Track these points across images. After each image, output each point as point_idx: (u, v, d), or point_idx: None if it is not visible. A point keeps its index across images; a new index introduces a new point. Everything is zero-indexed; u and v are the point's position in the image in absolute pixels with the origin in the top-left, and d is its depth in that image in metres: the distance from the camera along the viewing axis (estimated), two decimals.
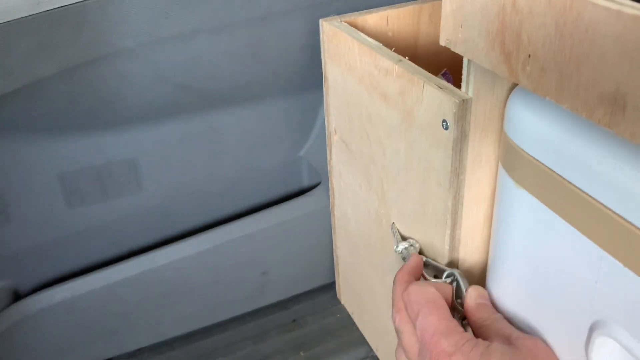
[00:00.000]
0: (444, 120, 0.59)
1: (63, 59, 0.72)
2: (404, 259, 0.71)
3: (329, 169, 0.96)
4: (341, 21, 0.82)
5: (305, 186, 1.08)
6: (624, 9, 0.36)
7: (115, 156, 0.90)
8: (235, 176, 1.00)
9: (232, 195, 1.02)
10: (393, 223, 0.77)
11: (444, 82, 0.60)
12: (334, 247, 1.07)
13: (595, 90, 0.39)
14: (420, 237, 0.71)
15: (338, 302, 1.12)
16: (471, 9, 0.48)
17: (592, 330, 0.42)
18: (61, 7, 0.68)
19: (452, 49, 0.53)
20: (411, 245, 0.72)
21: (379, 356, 0.99)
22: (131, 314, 0.97)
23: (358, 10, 0.87)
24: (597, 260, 0.41)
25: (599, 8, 0.37)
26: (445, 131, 0.59)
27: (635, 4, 0.36)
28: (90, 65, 0.74)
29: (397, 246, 0.72)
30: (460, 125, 0.57)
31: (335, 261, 1.08)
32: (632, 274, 0.38)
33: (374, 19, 0.86)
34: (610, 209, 0.39)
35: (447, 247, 0.66)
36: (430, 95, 0.60)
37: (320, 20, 0.83)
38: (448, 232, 0.64)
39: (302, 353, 1.02)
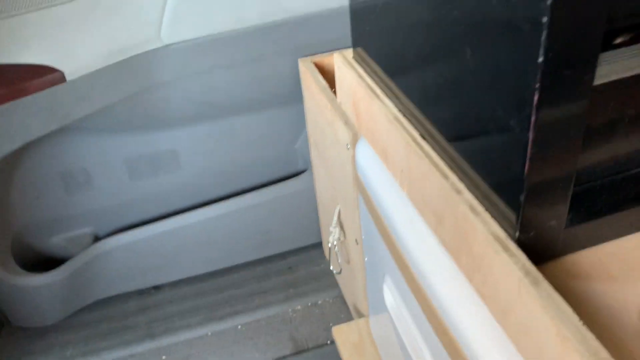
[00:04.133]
0: (347, 144, 0.95)
1: (127, 88, 1.13)
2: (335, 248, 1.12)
3: (311, 160, 1.34)
4: (311, 62, 1.18)
5: (300, 169, 1.46)
6: (423, 162, 0.71)
7: (162, 147, 1.31)
8: (247, 162, 1.40)
9: (245, 176, 1.42)
10: (338, 208, 1.14)
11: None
12: (319, 216, 1.45)
13: (429, 208, 0.68)
14: (346, 215, 1.08)
15: (324, 256, 1.51)
16: None
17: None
18: (127, 58, 1.08)
19: None
20: (339, 238, 1.11)
21: (346, 298, 1.38)
22: (173, 255, 1.40)
23: (335, 49, 1.22)
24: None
25: (424, 164, 0.72)
26: (347, 150, 0.95)
27: (436, 161, 0.71)
28: (143, 92, 1.15)
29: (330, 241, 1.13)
30: (353, 147, 0.93)
31: (320, 226, 1.46)
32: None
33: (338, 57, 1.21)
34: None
35: (357, 219, 1.02)
36: (341, 128, 0.96)
37: (298, 60, 1.20)
38: (357, 212, 1.01)
39: (291, 290, 1.42)
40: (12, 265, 1.26)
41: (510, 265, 0.49)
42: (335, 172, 1.09)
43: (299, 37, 1.19)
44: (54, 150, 1.23)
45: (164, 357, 1.29)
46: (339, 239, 1.16)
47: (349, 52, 0.93)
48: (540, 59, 0.40)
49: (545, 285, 0.47)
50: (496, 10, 0.44)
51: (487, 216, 0.54)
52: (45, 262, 1.35)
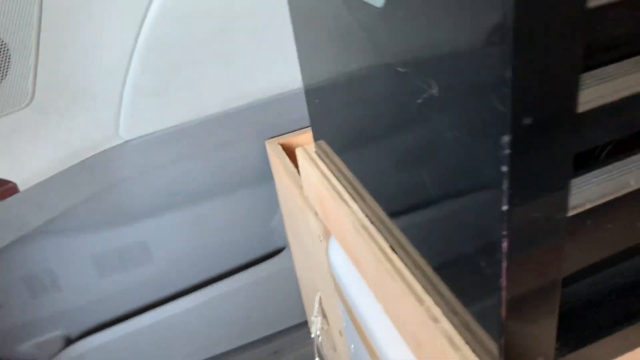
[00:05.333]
0: (319, 235, 0.90)
1: (87, 189, 1.07)
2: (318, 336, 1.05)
3: (287, 238, 1.28)
4: (278, 143, 1.14)
5: (279, 247, 1.40)
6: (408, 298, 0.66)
7: (131, 240, 1.25)
8: (222, 247, 1.34)
9: (221, 261, 1.35)
10: (319, 296, 1.08)
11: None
12: (302, 294, 1.38)
13: (406, 329, 0.60)
14: (327, 304, 1.02)
15: (310, 336, 1.43)
16: None
17: None
18: (84, 159, 1.03)
19: None
20: (321, 327, 1.05)
21: None
22: (151, 352, 1.32)
23: (304, 126, 1.18)
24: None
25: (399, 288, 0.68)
26: (320, 242, 0.90)
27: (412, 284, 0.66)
28: (105, 191, 1.10)
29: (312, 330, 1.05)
30: (326, 240, 0.88)
31: (304, 305, 1.40)
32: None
33: (307, 136, 1.17)
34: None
35: (339, 311, 0.96)
36: (312, 219, 0.91)
37: (266, 142, 1.15)
38: (337, 303, 0.95)
39: None
40: None
41: None
42: (312, 258, 1.04)
43: (264, 120, 1.15)
44: (15, 256, 1.16)
45: None
46: (322, 328, 1.09)
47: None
48: (505, 207, 0.36)
49: None
50: (453, 150, 0.40)
51: (467, 351, 0.49)
52: None
